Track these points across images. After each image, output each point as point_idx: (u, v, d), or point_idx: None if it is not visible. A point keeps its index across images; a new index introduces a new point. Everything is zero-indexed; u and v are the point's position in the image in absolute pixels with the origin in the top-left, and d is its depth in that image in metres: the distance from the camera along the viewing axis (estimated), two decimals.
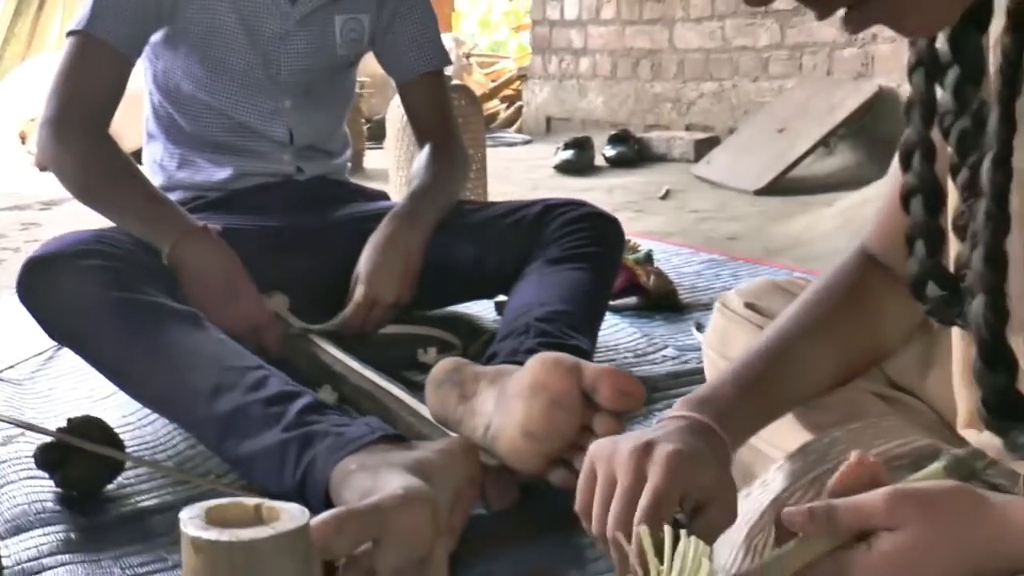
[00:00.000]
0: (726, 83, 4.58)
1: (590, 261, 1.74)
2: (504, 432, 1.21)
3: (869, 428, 0.98)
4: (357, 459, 1.15)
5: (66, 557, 1.18)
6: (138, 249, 1.54)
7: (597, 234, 1.79)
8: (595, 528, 0.92)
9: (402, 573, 1.03)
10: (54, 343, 1.76)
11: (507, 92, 6.67)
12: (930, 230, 0.83)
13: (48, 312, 1.43)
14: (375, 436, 1.19)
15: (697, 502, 0.90)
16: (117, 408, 1.60)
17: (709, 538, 0.89)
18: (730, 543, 0.97)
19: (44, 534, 1.23)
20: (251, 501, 0.90)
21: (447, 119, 2.04)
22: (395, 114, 2.99)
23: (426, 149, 2.00)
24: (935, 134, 0.81)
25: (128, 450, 1.39)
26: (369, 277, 1.72)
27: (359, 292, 1.71)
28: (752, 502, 1.00)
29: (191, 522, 0.86)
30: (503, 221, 1.88)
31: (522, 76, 6.28)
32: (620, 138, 4.51)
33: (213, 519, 0.87)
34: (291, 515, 0.88)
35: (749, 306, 1.18)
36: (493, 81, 6.85)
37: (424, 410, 1.40)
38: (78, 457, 1.30)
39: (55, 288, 1.41)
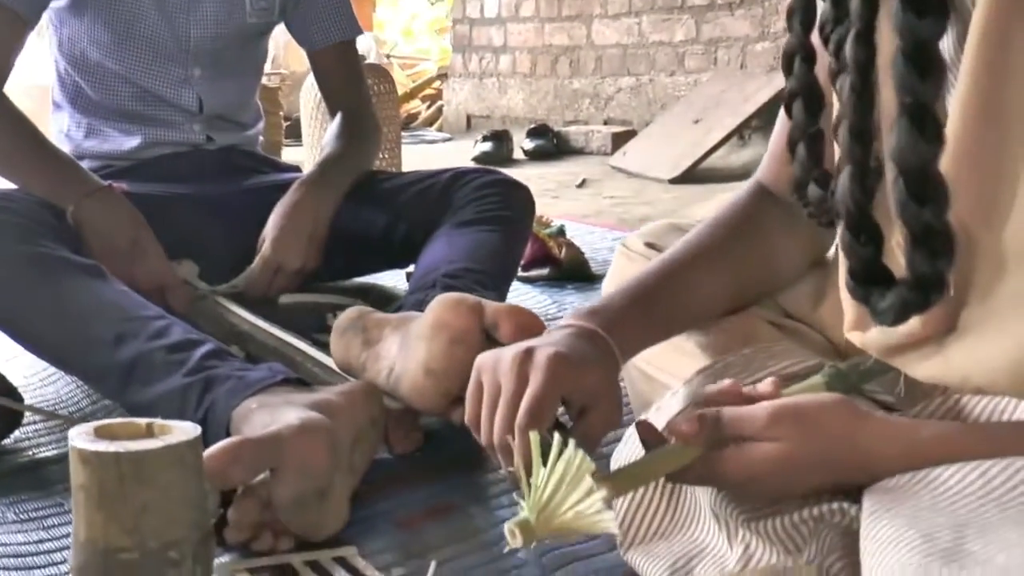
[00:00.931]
0: (643, 78, 4.63)
1: (500, 224, 1.75)
2: (406, 372, 1.21)
3: (762, 352, 1.01)
4: (258, 399, 1.15)
5: None
6: (40, 208, 1.52)
7: (507, 199, 1.80)
8: (484, 438, 0.92)
9: (300, 504, 1.03)
10: None
11: (428, 92, 6.67)
12: (810, 133, 0.85)
13: None
14: (277, 378, 1.18)
15: (582, 405, 0.92)
16: (20, 369, 1.58)
17: (593, 440, 0.90)
18: (629, 459, 0.99)
19: None
20: (142, 421, 0.90)
21: (359, 89, 2.04)
22: (309, 107, 2.98)
23: (337, 118, 2.00)
24: (816, 42, 0.84)
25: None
26: (274, 242, 1.72)
27: (263, 253, 1.71)
28: (663, 412, 1.02)
29: (79, 437, 0.85)
30: (413, 188, 1.88)
31: (442, 75, 6.29)
32: (538, 131, 4.54)
33: (102, 435, 0.86)
34: (182, 430, 0.88)
35: (650, 246, 1.20)
36: (414, 82, 6.85)
37: (329, 361, 1.40)
38: None
39: None
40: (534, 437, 0.80)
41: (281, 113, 4.51)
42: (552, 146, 4.50)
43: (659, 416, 1.01)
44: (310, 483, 1.03)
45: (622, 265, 1.21)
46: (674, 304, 1.04)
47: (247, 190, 1.91)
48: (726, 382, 0.91)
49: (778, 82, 3.89)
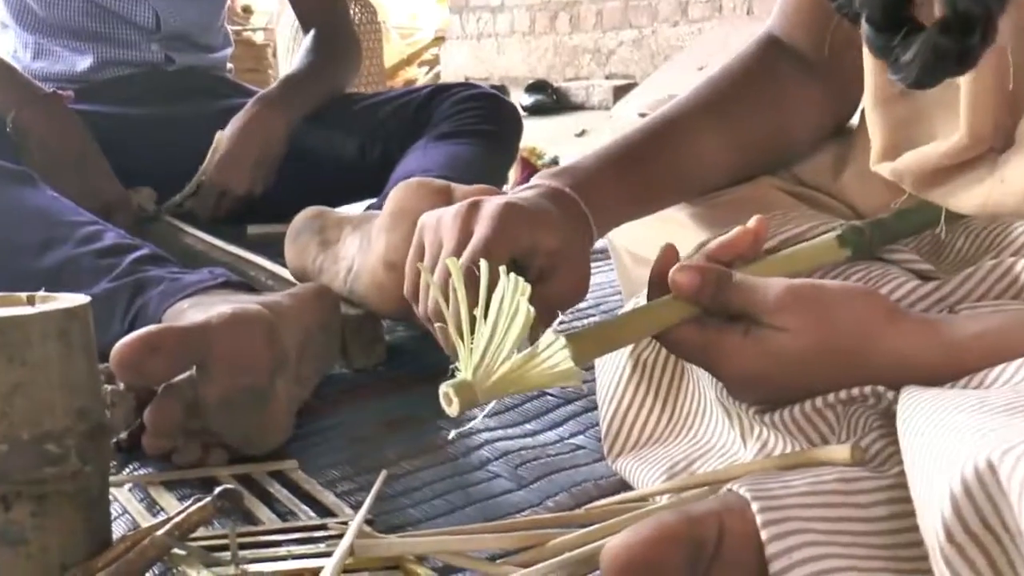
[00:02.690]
0: (645, 30, 4.46)
1: (483, 138, 1.60)
2: (365, 269, 1.05)
3: (776, 218, 0.84)
4: (192, 300, 0.99)
5: None
6: None
7: (491, 112, 1.65)
8: (421, 308, 0.77)
9: (230, 406, 0.87)
10: None
11: (426, 58, 6.51)
12: None
13: None
14: (217, 280, 1.03)
15: (541, 268, 0.76)
16: None
17: (549, 311, 0.74)
18: (615, 360, 0.83)
19: None
20: (24, 294, 0.74)
21: (334, 4, 1.88)
22: (285, 40, 2.81)
23: (310, 35, 1.84)
24: None
25: None
26: (219, 164, 1.58)
27: (208, 174, 1.57)
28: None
29: None
30: (389, 106, 1.73)
31: (439, 38, 6.12)
32: (537, 87, 4.39)
33: None
34: (67, 299, 0.72)
35: (644, 116, 1.03)
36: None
37: (286, 273, 1.24)
38: None
39: None
40: (455, 267, 0.63)
41: (271, 71, 4.35)
42: (552, 101, 4.35)
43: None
44: (243, 380, 0.87)
45: (606, 137, 1.04)
46: (665, 168, 0.88)
47: (211, 114, 1.75)
48: (736, 230, 0.74)
49: None
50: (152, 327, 0.86)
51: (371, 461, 0.89)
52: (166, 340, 0.84)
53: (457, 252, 0.73)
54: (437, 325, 0.73)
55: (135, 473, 0.86)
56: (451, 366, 0.62)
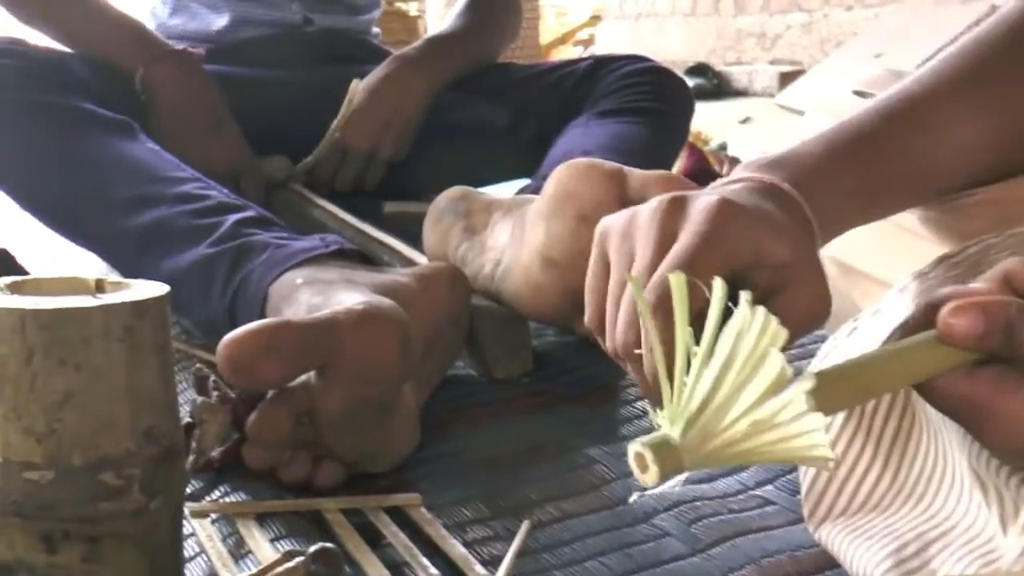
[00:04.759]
0: (816, 14, 4.18)
1: (649, 116, 1.42)
2: (517, 263, 0.89)
3: None
4: (304, 273, 0.84)
5: None
6: (76, 63, 1.25)
7: (659, 89, 1.47)
8: (608, 328, 0.59)
9: (353, 420, 0.71)
10: None
11: (581, 37, 6.34)
12: None
13: None
14: (330, 248, 0.88)
15: (766, 286, 0.57)
16: (50, 257, 1.32)
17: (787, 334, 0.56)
18: None
19: None
20: (93, 277, 0.59)
21: None
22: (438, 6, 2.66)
23: None
24: None
25: None
26: (346, 120, 1.43)
27: (330, 132, 1.42)
28: (862, 338, 0.66)
29: None
30: (546, 79, 1.57)
31: (595, 17, 5.94)
32: (698, 70, 4.16)
33: (26, 290, 0.56)
34: (142, 288, 0.57)
35: (860, 94, 0.84)
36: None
37: (423, 260, 1.09)
38: None
39: None
40: (678, 284, 0.45)
41: None
42: (712, 86, 4.11)
43: (878, 323, 0.66)
44: (371, 391, 0.72)
45: (817, 122, 0.85)
46: (908, 160, 0.68)
47: (353, 77, 1.62)
48: (1003, 269, 0.54)
49: (978, 8, 3.42)
50: (269, 321, 0.71)
51: (510, 500, 0.73)
52: (285, 339, 0.69)
53: (655, 264, 0.56)
54: (632, 362, 0.56)
55: (223, 500, 0.71)
56: (650, 416, 0.44)
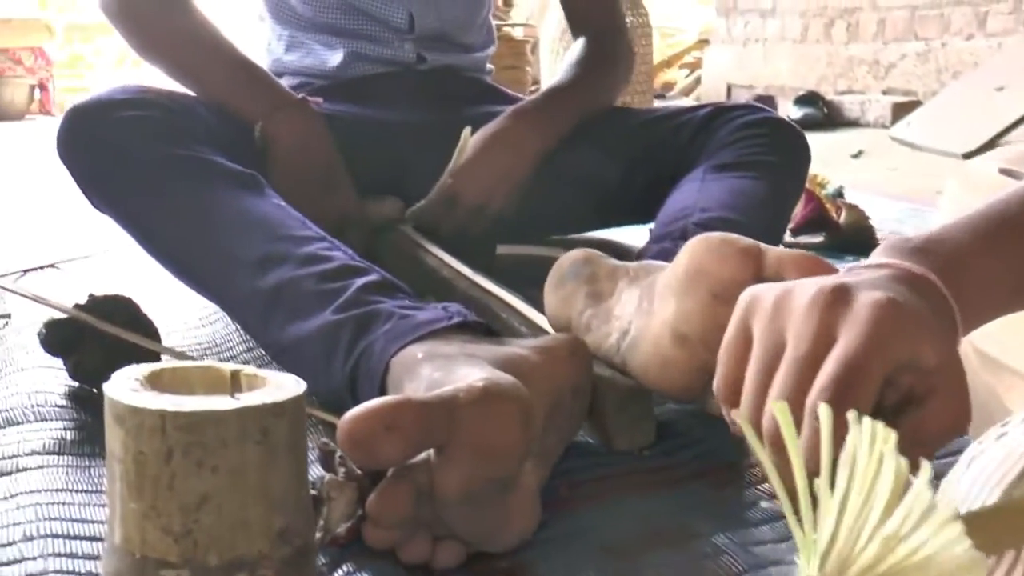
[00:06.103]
0: (934, 42, 4.08)
1: (767, 170, 1.39)
2: (646, 337, 0.87)
3: None
4: (426, 347, 0.84)
5: (50, 459, 0.90)
6: (201, 108, 1.27)
7: (777, 141, 1.44)
8: (743, 414, 0.57)
9: (473, 500, 0.70)
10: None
11: (686, 61, 6.29)
12: None
13: (84, 170, 1.16)
14: (452, 321, 0.87)
15: (910, 389, 0.55)
16: (177, 307, 1.34)
17: (926, 449, 0.54)
18: (974, 496, 0.61)
19: (34, 430, 0.96)
20: (228, 366, 0.59)
21: (610, 6, 1.71)
22: (549, 38, 2.67)
23: (579, 42, 1.68)
24: None
25: (172, 349, 1.11)
26: (460, 170, 1.42)
27: (443, 179, 1.42)
28: (1010, 443, 0.63)
29: (121, 381, 0.55)
30: (662, 126, 1.54)
31: (703, 41, 5.89)
32: (807, 99, 4.10)
33: (158, 383, 0.57)
34: (279, 386, 0.57)
35: (1007, 173, 0.81)
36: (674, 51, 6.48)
37: (543, 321, 1.08)
38: (95, 341, 1.02)
39: (92, 142, 1.14)
40: (824, 417, 0.43)
41: (529, 69, 4.23)
42: (822, 115, 4.04)
43: (1012, 441, 0.63)
44: (491, 471, 0.71)
45: (960, 200, 0.82)
46: None
47: (463, 120, 1.62)
48: None
49: None
50: (389, 399, 0.70)
51: None
52: (405, 417, 0.69)
53: (811, 357, 0.54)
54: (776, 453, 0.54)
55: None
56: (790, 525, 0.42)
